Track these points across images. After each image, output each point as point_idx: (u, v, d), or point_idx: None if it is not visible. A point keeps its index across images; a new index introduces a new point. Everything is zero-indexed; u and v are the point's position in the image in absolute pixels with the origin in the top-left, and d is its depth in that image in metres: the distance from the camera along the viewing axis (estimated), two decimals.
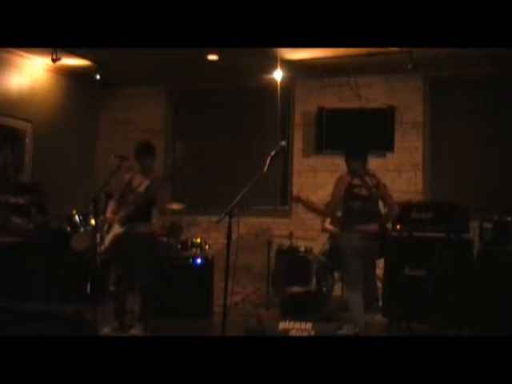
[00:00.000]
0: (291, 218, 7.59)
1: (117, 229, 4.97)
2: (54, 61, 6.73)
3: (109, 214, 5.03)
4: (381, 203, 5.20)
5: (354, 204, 4.72)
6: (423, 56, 6.25)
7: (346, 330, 3.70)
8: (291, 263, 6.16)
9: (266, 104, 7.73)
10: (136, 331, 4.92)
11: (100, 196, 5.14)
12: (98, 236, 4.96)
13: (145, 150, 5.07)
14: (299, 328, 3.72)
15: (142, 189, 4.98)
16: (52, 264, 6.29)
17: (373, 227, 4.67)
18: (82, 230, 6.38)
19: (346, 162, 4.83)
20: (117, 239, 4.96)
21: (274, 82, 7.22)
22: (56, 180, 7.09)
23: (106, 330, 4.87)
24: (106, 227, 5.02)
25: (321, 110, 7.42)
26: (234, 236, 3.65)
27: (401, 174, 7.28)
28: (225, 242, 3.61)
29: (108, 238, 4.97)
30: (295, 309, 5.62)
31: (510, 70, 6.65)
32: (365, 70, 7.10)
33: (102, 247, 4.95)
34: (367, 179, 4.77)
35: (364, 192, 4.72)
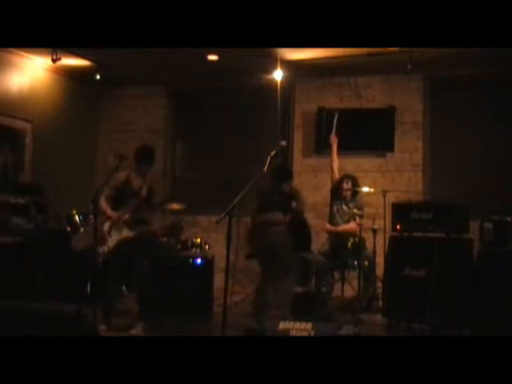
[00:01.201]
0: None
1: (125, 231, 4.99)
2: (53, 61, 6.73)
3: (109, 213, 5.01)
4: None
5: (259, 197, 5.17)
6: (423, 56, 6.25)
7: (346, 330, 3.70)
8: None
9: (266, 104, 7.72)
10: (136, 331, 4.93)
11: (100, 196, 5.14)
12: (99, 235, 4.94)
13: (148, 155, 5.11)
14: (299, 328, 3.72)
15: (144, 192, 5.05)
16: (52, 264, 6.29)
17: (271, 216, 5.03)
18: (81, 230, 6.38)
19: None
20: (124, 241, 4.98)
21: (273, 82, 7.21)
22: (56, 180, 7.09)
23: (102, 328, 4.89)
24: (106, 227, 5.00)
25: (321, 110, 7.42)
26: (233, 236, 3.65)
27: (401, 173, 7.28)
28: (225, 241, 3.61)
29: (113, 240, 4.96)
30: (295, 309, 5.62)
31: (510, 70, 6.66)
32: (365, 69, 7.10)
33: (106, 248, 4.94)
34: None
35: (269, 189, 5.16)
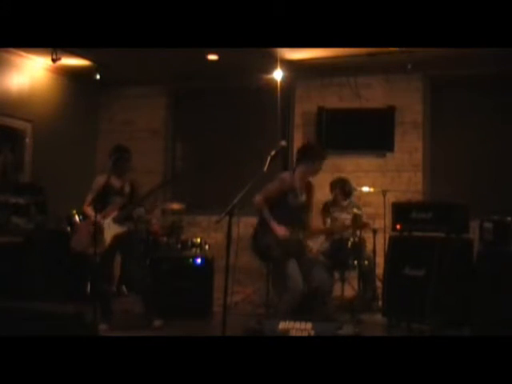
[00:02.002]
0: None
1: (116, 228, 5.07)
2: (54, 61, 6.74)
3: (93, 216, 4.96)
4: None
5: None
6: (423, 56, 6.25)
7: (346, 330, 3.69)
8: None
9: (265, 104, 7.73)
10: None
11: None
12: (89, 238, 5.00)
13: (123, 154, 5.23)
14: (299, 328, 3.71)
15: (127, 190, 5.21)
16: (52, 264, 6.29)
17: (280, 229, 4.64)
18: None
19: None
20: (116, 238, 5.06)
21: (273, 82, 7.21)
22: (56, 180, 7.09)
23: (103, 327, 4.96)
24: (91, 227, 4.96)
25: (321, 109, 7.42)
26: (233, 236, 3.65)
27: (401, 173, 7.28)
28: (225, 241, 3.61)
29: (106, 239, 5.03)
30: (295, 309, 5.62)
31: (510, 70, 6.66)
32: (365, 69, 7.10)
33: (100, 248, 4.96)
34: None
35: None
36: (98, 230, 4.88)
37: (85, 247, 5.02)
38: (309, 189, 4.89)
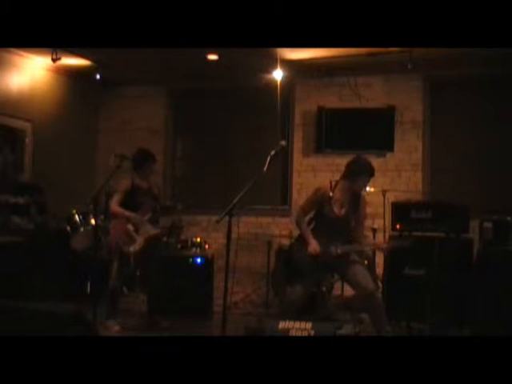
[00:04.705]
0: (291, 218, 7.59)
1: (151, 230, 5.18)
2: (53, 60, 6.74)
3: (129, 215, 5.12)
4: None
5: None
6: (423, 56, 6.24)
7: (346, 330, 3.70)
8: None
9: (265, 104, 7.73)
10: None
11: (100, 195, 5.15)
12: (125, 235, 5.11)
13: (150, 156, 5.32)
14: (299, 328, 3.72)
15: (156, 191, 5.37)
16: (52, 264, 6.29)
17: None
18: (81, 229, 6.37)
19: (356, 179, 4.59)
20: (152, 238, 5.21)
21: (273, 81, 7.22)
22: (56, 180, 7.09)
23: (116, 328, 5.05)
24: (131, 227, 5.13)
25: (321, 109, 7.43)
26: (233, 235, 3.66)
27: (401, 173, 7.28)
28: (225, 241, 3.61)
29: (142, 238, 5.13)
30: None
31: (510, 70, 6.66)
32: (365, 69, 7.10)
33: (136, 246, 5.10)
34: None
35: None
36: (135, 228, 5.11)
37: (122, 245, 5.09)
38: (355, 203, 4.62)
